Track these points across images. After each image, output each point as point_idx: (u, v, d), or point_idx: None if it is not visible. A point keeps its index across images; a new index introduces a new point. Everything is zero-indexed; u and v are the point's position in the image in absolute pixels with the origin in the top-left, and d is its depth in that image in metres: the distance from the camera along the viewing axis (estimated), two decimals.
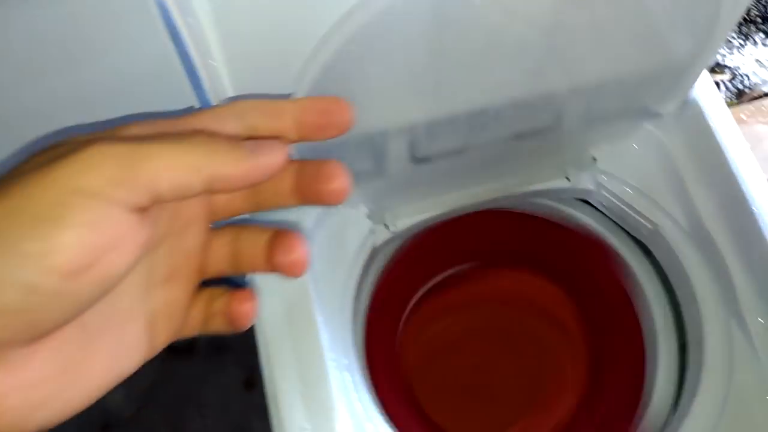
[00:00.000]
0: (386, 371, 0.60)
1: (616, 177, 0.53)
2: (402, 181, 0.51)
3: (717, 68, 1.23)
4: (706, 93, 0.49)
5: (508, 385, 0.70)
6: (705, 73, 0.48)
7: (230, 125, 0.23)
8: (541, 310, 0.70)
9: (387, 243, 0.54)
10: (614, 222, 0.57)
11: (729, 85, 1.20)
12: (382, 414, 0.47)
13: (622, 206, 0.53)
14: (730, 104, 1.17)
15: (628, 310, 0.58)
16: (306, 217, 0.48)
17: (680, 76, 0.45)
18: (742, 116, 1.00)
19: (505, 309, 0.71)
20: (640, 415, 0.54)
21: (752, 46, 1.13)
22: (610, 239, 0.58)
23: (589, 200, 0.56)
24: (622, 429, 0.55)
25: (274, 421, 0.43)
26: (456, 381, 0.70)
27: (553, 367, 0.69)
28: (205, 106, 0.28)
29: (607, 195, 0.54)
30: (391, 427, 0.46)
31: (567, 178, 0.54)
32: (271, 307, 0.45)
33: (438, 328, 0.71)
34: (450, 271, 0.70)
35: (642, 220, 0.53)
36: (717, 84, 1.18)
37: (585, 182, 0.54)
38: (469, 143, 0.48)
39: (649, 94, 0.47)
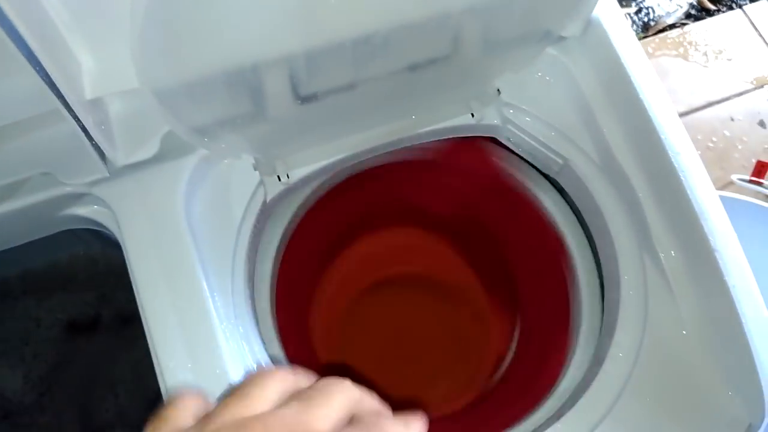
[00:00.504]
0: (298, 340, 0.56)
1: (522, 109, 0.49)
2: (289, 125, 0.45)
3: (623, 1, 1.22)
4: (610, 13, 0.45)
5: (432, 340, 0.67)
6: None
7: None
8: (458, 263, 0.67)
9: (284, 197, 0.49)
10: (527, 162, 0.54)
11: (635, 18, 1.20)
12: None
13: (531, 141, 0.50)
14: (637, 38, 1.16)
15: (547, 251, 0.55)
16: (183, 170, 0.43)
17: None
18: (649, 49, 0.98)
19: (421, 264, 0.68)
20: (568, 357, 0.52)
21: None
22: (523, 179, 0.55)
23: (497, 137, 0.52)
24: (549, 372, 0.53)
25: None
26: (376, 341, 0.66)
27: (477, 318, 0.66)
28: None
29: (514, 130, 0.50)
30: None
31: (471, 114, 0.50)
32: (147, 270, 0.40)
33: (353, 290, 0.66)
34: (363, 229, 0.66)
35: (552, 155, 0.50)
36: None
37: (491, 117, 0.50)
38: (359, 77, 0.43)
39: (549, 14, 0.43)
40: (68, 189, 0.41)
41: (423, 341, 0.67)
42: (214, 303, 0.40)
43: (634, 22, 1.17)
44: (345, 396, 0.30)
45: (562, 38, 0.46)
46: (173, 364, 0.38)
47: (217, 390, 0.37)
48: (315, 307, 0.64)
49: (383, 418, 0.29)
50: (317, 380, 0.31)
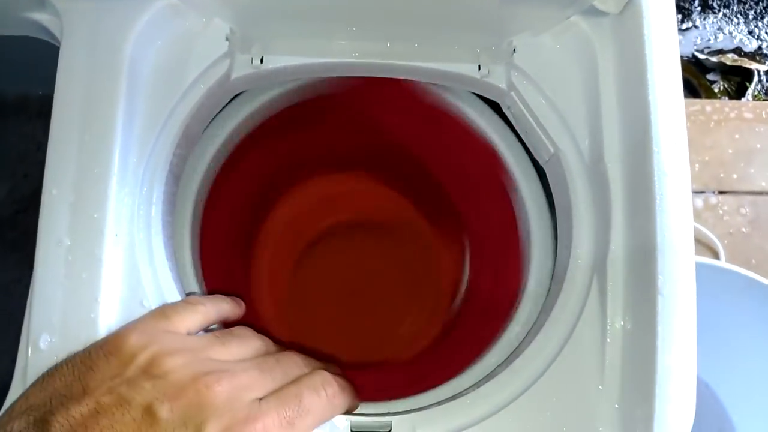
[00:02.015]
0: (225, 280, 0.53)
1: (531, 79, 0.44)
2: (275, 3, 0.42)
3: (758, 56, 1.12)
4: (660, 3, 0.39)
5: (384, 282, 0.64)
6: None
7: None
8: (402, 202, 0.63)
9: (247, 85, 0.45)
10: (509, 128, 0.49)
11: (765, 77, 1.09)
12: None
13: (530, 118, 0.45)
14: (757, 98, 1.06)
15: (506, 212, 0.51)
16: (146, 9, 0.40)
17: None
18: (763, 114, 0.86)
19: (365, 206, 0.64)
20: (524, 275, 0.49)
21: None
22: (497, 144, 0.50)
23: (498, 102, 0.47)
24: (509, 290, 0.50)
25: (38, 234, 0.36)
26: (328, 287, 0.63)
27: (427, 252, 0.62)
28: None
29: (517, 100, 0.45)
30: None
31: (478, 67, 0.45)
32: (68, 94, 0.38)
33: (298, 230, 0.63)
34: (305, 166, 0.62)
35: (546, 141, 0.44)
36: (752, 72, 1.07)
37: (497, 77, 0.45)
38: None
39: None
40: None
41: (375, 285, 0.64)
42: (123, 155, 0.38)
43: (761, 81, 1.06)
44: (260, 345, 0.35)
45: (596, 12, 0.41)
46: (56, 191, 0.36)
47: (86, 233, 0.35)
48: (256, 248, 0.61)
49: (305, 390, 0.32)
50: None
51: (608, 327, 0.38)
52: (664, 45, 0.38)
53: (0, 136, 0.94)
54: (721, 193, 0.82)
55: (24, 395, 0.29)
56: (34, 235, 0.98)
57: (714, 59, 1.09)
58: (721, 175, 0.82)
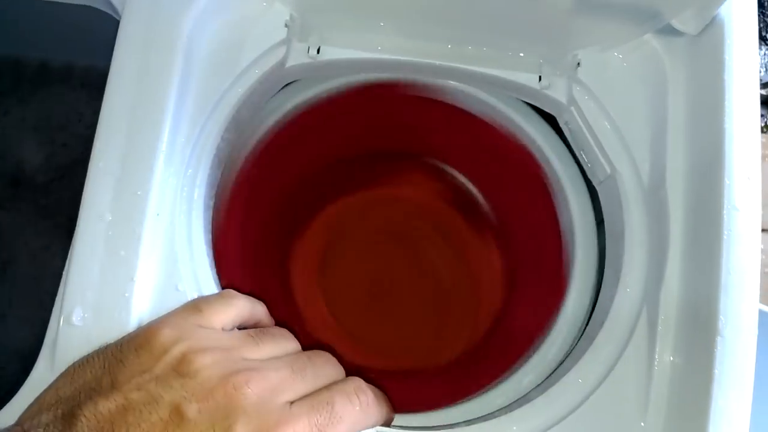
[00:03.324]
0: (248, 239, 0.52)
1: (593, 94, 0.42)
2: None
3: None
4: (741, 20, 0.37)
5: (418, 292, 0.63)
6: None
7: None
8: (449, 219, 0.61)
9: (300, 74, 0.44)
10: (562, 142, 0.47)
11: None
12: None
13: (588, 135, 0.43)
14: None
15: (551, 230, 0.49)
16: None
17: None
18: None
19: (412, 215, 0.62)
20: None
21: None
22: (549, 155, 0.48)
23: (555, 116, 0.46)
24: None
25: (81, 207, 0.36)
26: (355, 290, 0.62)
27: (466, 274, 0.61)
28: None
29: (576, 115, 0.43)
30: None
31: (539, 78, 0.44)
32: (123, 68, 0.37)
33: (333, 230, 0.62)
34: (360, 155, 0.60)
35: (603, 160, 0.43)
36: None
37: (558, 90, 0.44)
38: None
39: None
40: None
41: (409, 292, 0.63)
42: (172, 134, 0.37)
43: None
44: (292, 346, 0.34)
45: (671, 31, 0.39)
46: (103, 164, 0.36)
47: (128, 210, 0.35)
48: (287, 248, 0.60)
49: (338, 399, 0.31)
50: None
51: (656, 362, 0.36)
52: (745, 72, 0.36)
53: (43, 103, 0.94)
54: (764, 231, 0.79)
55: (54, 385, 0.29)
56: (66, 203, 0.99)
57: (763, 92, 1.06)
58: (762, 212, 0.79)
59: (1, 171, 0.93)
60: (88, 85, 0.96)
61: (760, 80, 1.12)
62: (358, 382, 0.32)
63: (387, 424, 0.33)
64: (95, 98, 0.95)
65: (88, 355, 0.30)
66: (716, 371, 0.32)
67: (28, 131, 0.95)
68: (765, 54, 1.14)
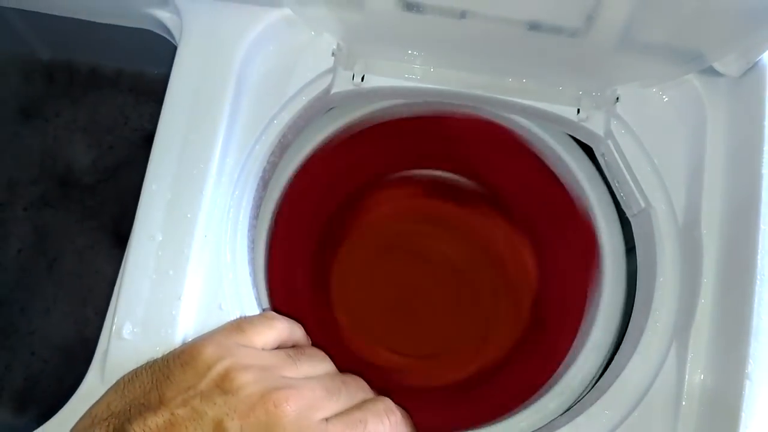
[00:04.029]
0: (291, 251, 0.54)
1: (630, 129, 0.43)
2: (384, 27, 0.42)
3: None
4: None
5: (450, 310, 0.64)
6: None
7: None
8: (486, 242, 0.62)
9: (344, 101, 0.46)
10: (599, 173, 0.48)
11: None
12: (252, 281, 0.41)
13: (624, 168, 0.44)
14: None
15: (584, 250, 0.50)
16: (261, 18, 0.41)
17: (759, 21, 0.33)
18: None
19: (450, 233, 0.63)
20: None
21: None
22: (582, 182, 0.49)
23: (593, 147, 0.46)
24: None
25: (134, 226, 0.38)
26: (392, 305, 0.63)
27: (496, 293, 0.62)
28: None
29: (612, 148, 0.44)
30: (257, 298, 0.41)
31: (578, 111, 0.45)
32: (180, 91, 0.39)
33: (372, 246, 0.63)
34: (396, 174, 0.62)
35: (638, 194, 0.43)
36: None
37: (596, 123, 0.44)
38: (472, 9, 0.39)
39: (710, 34, 0.36)
40: None
41: (442, 308, 0.64)
42: (222, 158, 0.39)
43: None
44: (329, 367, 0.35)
45: (713, 71, 0.39)
46: (156, 187, 0.38)
47: (178, 231, 0.37)
48: (330, 255, 0.61)
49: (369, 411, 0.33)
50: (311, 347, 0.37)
51: (684, 397, 0.37)
52: None
53: (94, 106, 0.98)
54: None
55: (105, 400, 0.30)
56: (111, 205, 1.02)
57: None
58: None
59: (52, 171, 0.97)
60: (136, 90, 0.99)
61: None
62: (388, 403, 0.34)
63: None
64: (141, 102, 0.98)
65: (137, 369, 0.32)
66: (743, 414, 0.33)
67: (79, 132, 0.98)
68: None
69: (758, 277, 0.34)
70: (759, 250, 0.35)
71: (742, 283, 0.35)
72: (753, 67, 0.38)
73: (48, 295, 0.93)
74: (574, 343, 0.49)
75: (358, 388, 0.35)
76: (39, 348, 0.91)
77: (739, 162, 0.38)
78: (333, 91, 0.44)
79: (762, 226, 0.35)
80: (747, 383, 0.33)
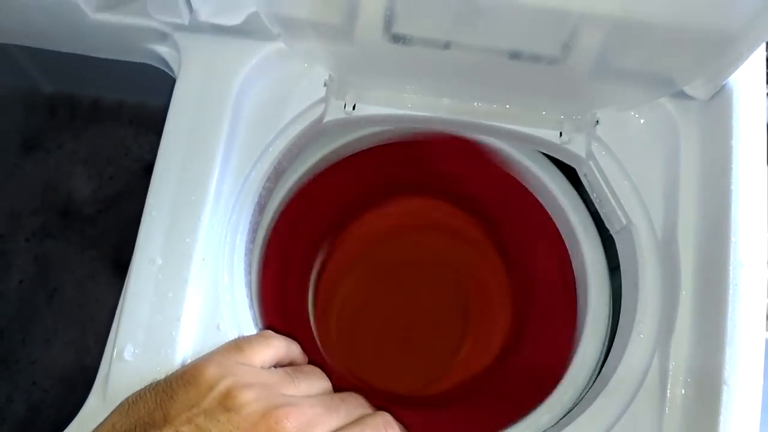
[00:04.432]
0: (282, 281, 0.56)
1: (610, 150, 0.45)
2: (373, 58, 0.44)
3: None
4: (749, 91, 0.40)
5: (437, 326, 0.65)
6: (757, 67, 0.39)
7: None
8: (468, 257, 0.64)
9: (336, 128, 0.48)
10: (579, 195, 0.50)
11: None
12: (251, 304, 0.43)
13: (605, 187, 0.46)
14: None
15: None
16: (255, 53, 0.43)
17: (723, 48, 0.36)
18: None
19: (433, 252, 0.65)
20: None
21: None
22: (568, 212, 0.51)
23: (575, 168, 0.48)
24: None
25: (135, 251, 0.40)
26: (378, 321, 0.65)
27: (482, 309, 0.63)
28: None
29: (594, 169, 0.46)
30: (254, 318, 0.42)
31: (560, 134, 0.47)
32: (177, 124, 0.41)
33: (357, 263, 0.65)
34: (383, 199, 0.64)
35: (619, 212, 0.45)
36: None
37: (577, 145, 0.46)
38: (456, 39, 0.41)
39: (679, 61, 0.38)
40: (154, 24, 0.43)
41: (429, 325, 0.65)
42: (218, 185, 0.40)
43: None
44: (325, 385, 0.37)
45: (685, 95, 0.41)
46: (156, 214, 0.39)
47: (177, 255, 0.38)
48: (316, 275, 0.63)
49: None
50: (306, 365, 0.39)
51: (667, 405, 0.38)
52: (752, 137, 0.39)
53: (94, 137, 1.00)
54: None
55: (109, 421, 0.32)
56: (111, 234, 1.03)
57: None
58: None
59: (53, 202, 0.99)
60: (136, 121, 1.01)
61: None
62: (387, 417, 0.35)
63: None
64: (142, 134, 1.00)
65: (140, 390, 0.33)
66: (722, 418, 0.34)
67: (79, 164, 1.00)
68: None
69: (730, 287, 0.36)
70: (730, 262, 0.36)
71: (717, 293, 0.36)
72: (720, 91, 0.40)
73: (49, 325, 0.94)
74: (565, 359, 0.51)
75: (357, 405, 0.36)
76: (40, 378, 0.91)
77: (710, 179, 0.40)
78: (326, 119, 0.46)
79: (732, 239, 0.37)
80: (724, 388, 0.34)
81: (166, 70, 0.46)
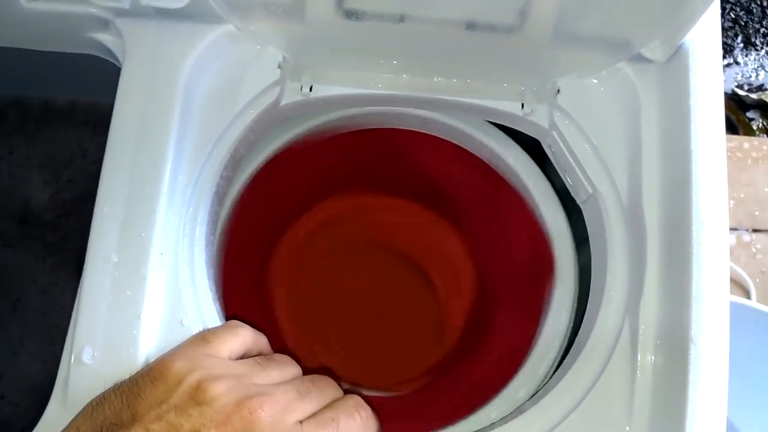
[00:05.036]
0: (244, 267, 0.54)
1: (573, 119, 0.44)
2: (327, 36, 0.43)
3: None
4: (706, 52, 0.39)
5: (400, 309, 0.64)
6: (713, 26, 0.39)
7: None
8: (430, 236, 0.63)
9: (294, 112, 0.46)
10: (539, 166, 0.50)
11: None
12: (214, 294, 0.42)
13: (570, 157, 0.45)
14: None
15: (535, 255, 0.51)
16: (203, 36, 0.41)
17: (677, 5, 0.35)
18: None
19: (393, 234, 0.64)
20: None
21: None
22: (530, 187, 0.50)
23: (539, 139, 0.48)
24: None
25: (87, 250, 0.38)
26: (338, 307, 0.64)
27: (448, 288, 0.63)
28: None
29: (558, 139, 0.45)
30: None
31: (522, 105, 0.46)
32: (125, 112, 0.39)
33: (319, 250, 0.64)
34: (337, 190, 0.63)
35: (585, 181, 0.45)
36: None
37: (540, 116, 0.46)
38: (410, 13, 0.40)
39: (634, 22, 0.38)
40: (93, 10, 0.41)
41: (392, 308, 0.65)
42: (173, 176, 0.39)
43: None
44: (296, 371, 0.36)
45: (643, 59, 0.41)
46: (108, 209, 0.38)
47: (133, 251, 0.37)
48: (274, 265, 0.62)
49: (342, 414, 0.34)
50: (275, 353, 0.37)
51: (638, 370, 0.38)
52: (709, 97, 0.39)
53: (48, 140, 0.97)
54: (755, 231, 0.80)
55: (73, 425, 0.30)
56: (73, 239, 1.01)
57: (754, 96, 1.08)
58: (756, 213, 0.81)
59: (8, 209, 0.95)
60: (92, 121, 0.98)
61: (751, 84, 1.14)
62: (357, 399, 0.35)
63: None
64: (99, 134, 0.97)
65: (105, 392, 0.32)
66: (691, 376, 0.34)
67: (34, 169, 0.97)
68: (755, 59, 1.17)
69: (694, 246, 0.36)
70: (693, 222, 0.36)
71: (681, 254, 0.36)
72: (677, 52, 0.39)
73: (14, 337, 0.91)
74: (535, 333, 0.50)
75: (327, 386, 0.35)
76: (9, 392, 0.89)
77: (671, 141, 0.40)
78: (282, 103, 0.45)
79: (695, 199, 0.37)
80: (692, 347, 0.34)
81: (112, 60, 0.44)
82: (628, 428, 0.37)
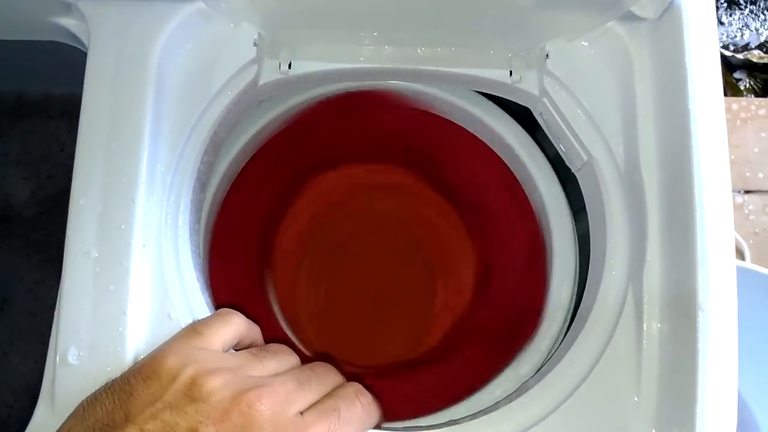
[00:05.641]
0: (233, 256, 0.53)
1: (564, 84, 0.43)
2: (303, 9, 0.41)
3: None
4: (699, 7, 0.38)
5: (400, 288, 0.63)
6: None
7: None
8: (428, 213, 0.62)
9: (273, 91, 0.45)
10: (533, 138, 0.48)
11: None
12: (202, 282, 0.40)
13: (562, 124, 0.44)
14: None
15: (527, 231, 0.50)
16: (173, 15, 0.39)
17: None
18: None
19: (390, 211, 0.63)
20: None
21: None
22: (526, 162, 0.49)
23: (530, 108, 0.46)
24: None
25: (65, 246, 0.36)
26: (338, 290, 0.62)
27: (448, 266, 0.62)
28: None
29: (549, 106, 0.44)
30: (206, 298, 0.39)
31: (510, 72, 0.44)
32: (96, 99, 0.37)
33: (315, 229, 0.62)
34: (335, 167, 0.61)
35: (579, 148, 0.43)
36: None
37: (529, 82, 0.44)
38: None
39: None
40: None
41: (392, 288, 0.63)
42: (151, 163, 0.37)
43: None
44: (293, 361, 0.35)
45: (633, 17, 0.39)
46: (84, 202, 0.36)
47: (113, 244, 0.35)
48: (272, 245, 0.60)
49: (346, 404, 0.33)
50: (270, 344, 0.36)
51: (644, 339, 0.37)
52: (705, 52, 0.37)
53: (24, 135, 0.94)
54: (746, 192, 0.80)
55: (65, 428, 0.29)
56: (57, 235, 0.99)
57: (740, 56, 1.07)
58: (747, 173, 0.80)
59: None
60: (67, 113, 0.95)
61: (737, 44, 1.13)
62: (357, 386, 0.33)
63: (379, 425, 0.34)
64: (76, 126, 0.94)
65: (96, 392, 0.30)
66: (700, 345, 0.33)
67: (11, 165, 0.94)
68: (739, 18, 1.15)
69: (697, 209, 0.35)
70: (695, 183, 0.35)
71: (684, 218, 0.35)
72: (669, 7, 0.38)
73: (4, 338, 0.89)
74: (536, 308, 0.49)
75: (327, 373, 0.34)
76: (2, 393, 0.87)
77: (667, 102, 0.38)
78: (261, 82, 0.43)
79: (695, 159, 0.35)
80: (700, 314, 0.33)
81: (78, 46, 0.42)
82: (636, 399, 0.36)
